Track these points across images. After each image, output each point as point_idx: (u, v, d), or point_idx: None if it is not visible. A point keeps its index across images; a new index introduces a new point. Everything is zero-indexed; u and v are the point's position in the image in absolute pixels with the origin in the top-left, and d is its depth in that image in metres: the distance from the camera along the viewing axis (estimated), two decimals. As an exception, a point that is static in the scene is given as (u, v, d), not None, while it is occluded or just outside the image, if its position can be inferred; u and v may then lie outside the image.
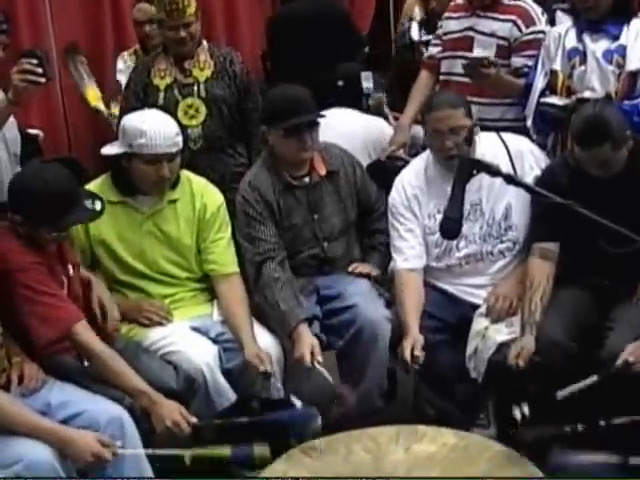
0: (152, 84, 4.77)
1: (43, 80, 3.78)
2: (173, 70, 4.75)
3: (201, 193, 4.09)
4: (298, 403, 3.53)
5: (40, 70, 3.75)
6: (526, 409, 3.39)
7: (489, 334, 3.97)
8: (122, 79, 5.81)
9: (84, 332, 3.49)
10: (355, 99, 5.31)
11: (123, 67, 6.08)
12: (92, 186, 3.94)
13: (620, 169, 3.73)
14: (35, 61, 3.74)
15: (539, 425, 3.37)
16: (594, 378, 3.45)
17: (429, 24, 5.98)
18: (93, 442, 3.15)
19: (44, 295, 3.44)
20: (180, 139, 3.90)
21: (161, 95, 4.72)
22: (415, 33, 6.18)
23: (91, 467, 3.21)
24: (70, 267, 3.67)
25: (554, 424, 3.37)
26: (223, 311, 4.02)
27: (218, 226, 4.10)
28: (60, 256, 3.62)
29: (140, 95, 4.77)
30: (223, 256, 4.10)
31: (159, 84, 4.75)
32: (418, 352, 3.79)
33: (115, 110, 5.62)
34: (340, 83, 5.42)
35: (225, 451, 3.27)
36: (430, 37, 5.33)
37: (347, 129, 4.81)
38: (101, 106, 5.86)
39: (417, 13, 6.48)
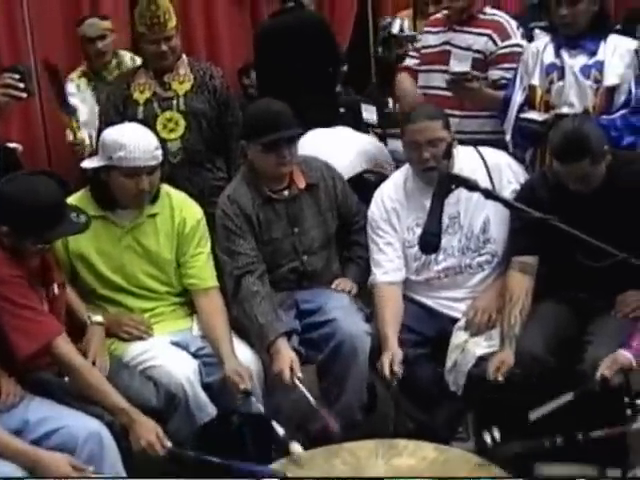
0: (131, 98, 4.75)
1: (25, 95, 3.80)
2: (153, 84, 4.74)
3: (180, 207, 4.08)
4: (280, 429, 3.52)
5: (22, 85, 3.77)
6: (497, 433, 3.40)
7: (468, 347, 3.98)
8: (76, 102, 5.71)
9: (64, 346, 3.47)
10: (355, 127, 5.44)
11: (75, 90, 5.89)
12: (71, 200, 3.93)
13: (598, 184, 3.75)
14: (17, 76, 3.77)
15: (518, 440, 3.38)
16: (568, 397, 3.46)
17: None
18: (64, 465, 3.13)
19: (25, 308, 3.41)
20: (160, 152, 3.90)
21: (140, 109, 4.71)
22: (396, 28, 6.18)
23: None
24: (55, 286, 3.65)
25: (533, 438, 3.38)
26: (203, 325, 4.01)
27: (197, 240, 4.09)
28: (43, 274, 3.61)
29: (120, 109, 4.75)
30: (203, 271, 4.09)
31: (138, 98, 4.74)
32: (397, 367, 3.80)
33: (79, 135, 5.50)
34: (342, 110, 5.56)
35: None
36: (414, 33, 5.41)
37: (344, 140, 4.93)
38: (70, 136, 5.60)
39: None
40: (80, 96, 5.73)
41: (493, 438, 3.39)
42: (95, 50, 5.96)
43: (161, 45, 4.64)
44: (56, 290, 3.65)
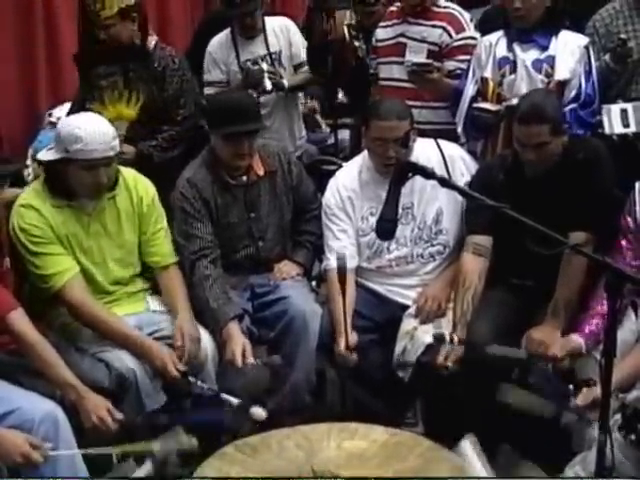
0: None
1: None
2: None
3: (135, 186, 4.07)
4: (233, 400, 3.57)
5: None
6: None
7: (417, 335, 4.03)
8: None
9: (19, 320, 3.48)
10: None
11: None
12: (27, 192, 3.92)
13: (552, 165, 3.84)
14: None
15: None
16: (523, 354, 3.56)
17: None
18: (22, 443, 3.14)
19: None
20: (117, 142, 3.84)
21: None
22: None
23: (21, 467, 3.19)
24: (7, 261, 3.66)
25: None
26: (165, 298, 4.08)
27: (155, 217, 4.11)
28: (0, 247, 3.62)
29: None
30: (163, 247, 4.13)
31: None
32: (352, 347, 3.88)
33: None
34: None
35: (153, 447, 3.27)
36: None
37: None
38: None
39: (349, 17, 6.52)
40: None
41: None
42: None
43: (100, 34, 4.64)
44: (8, 264, 3.66)
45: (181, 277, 4.12)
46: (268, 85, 5.29)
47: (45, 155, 3.89)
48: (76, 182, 3.85)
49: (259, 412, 3.48)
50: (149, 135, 4.76)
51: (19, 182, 4.23)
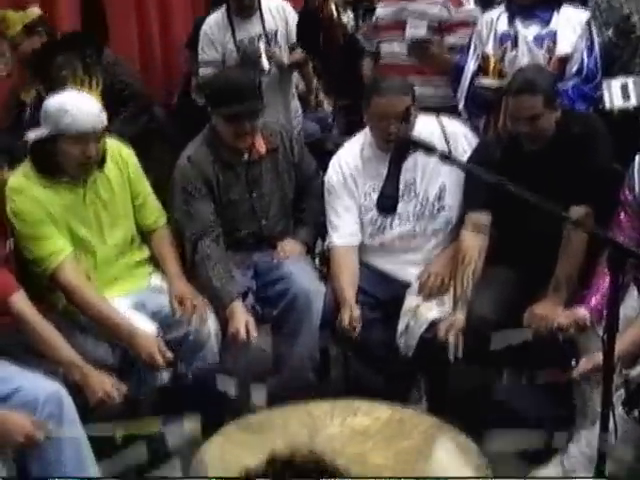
0: None
1: (5, 73, 3.83)
2: None
3: (119, 153, 4.08)
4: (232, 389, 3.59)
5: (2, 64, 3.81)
6: (460, 352, 3.54)
7: (420, 312, 4.03)
8: None
9: (20, 302, 3.49)
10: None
11: None
12: (15, 175, 3.89)
13: (547, 141, 3.84)
14: None
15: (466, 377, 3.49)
16: (529, 333, 3.56)
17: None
18: (25, 423, 3.14)
19: None
20: (104, 116, 3.84)
21: None
22: None
23: (24, 448, 3.20)
24: (11, 241, 3.67)
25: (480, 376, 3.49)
26: (156, 255, 4.15)
27: (143, 181, 4.15)
28: (3, 229, 3.61)
29: None
30: (154, 209, 4.20)
31: None
32: (356, 321, 3.89)
33: None
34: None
35: (155, 425, 3.28)
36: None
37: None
38: None
39: None
40: None
41: (456, 356, 3.65)
42: None
43: None
44: (12, 245, 3.66)
45: (171, 238, 4.20)
46: (265, 65, 5.27)
47: (35, 133, 3.87)
48: (65, 158, 3.83)
49: (260, 395, 3.48)
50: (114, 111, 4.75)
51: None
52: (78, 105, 3.77)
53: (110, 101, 4.42)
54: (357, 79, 5.08)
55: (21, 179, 3.87)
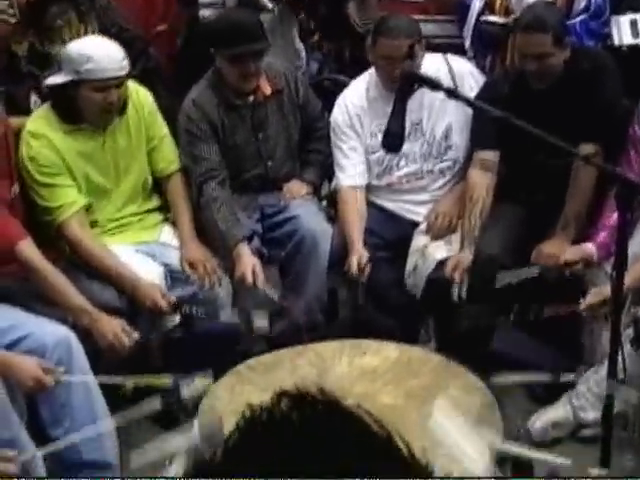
0: None
1: (14, 20, 3.79)
2: None
3: (136, 93, 4.04)
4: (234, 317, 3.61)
5: (12, 11, 3.81)
6: (464, 290, 3.50)
7: (428, 251, 4.03)
8: None
9: (28, 249, 3.49)
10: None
11: None
12: (34, 119, 3.88)
13: (556, 78, 3.80)
14: (6, 2, 3.81)
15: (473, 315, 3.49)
16: (535, 270, 3.56)
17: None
18: (34, 367, 3.14)
19: None
20: (127, 63, 3.80)
21: None
22: None
23: (34, 392, 3.22)
24: (16, 186, 3.66)
25: (488, 314, 3.48)
26: (169, 205, 4.14)
27: (159, 123, 4.12)
28: (9, 172, 3.60)
29: None
30: (167, 153, 4.15)
31: None
32: (364, 266, 3.87)
33: None
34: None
35: (167, 380, 3.27)
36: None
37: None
38: None
39: None
40: None
41: (460, 296, 3.49)
42: None
43: None
44: (17, 190, 3.65)
45: (184, 186, 4.15)
46: (268, 3, 5.18)
47: (55, 79, 3.84)
48: (86, 105, 3.82)
49: (262, 322, 3.50)
50: None
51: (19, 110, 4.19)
52: (101, 51, 3.74)
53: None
54: (343, 21, 5.00)
55: (40, 123, 3.86)
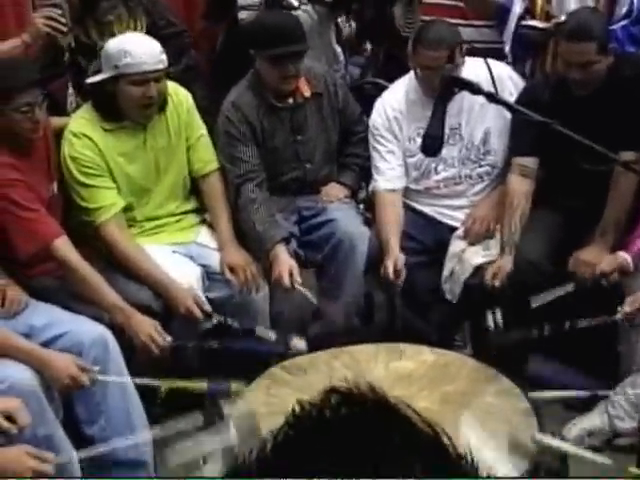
0: None
1: (65, 29, 3.86)
2: None
3: (175, 93, 4.05)
4: (271, 334, 3.60)
5: (64, 20, 3.88)
6: (499, 316, 3.48)
7: (466, 257, 4.02)
8: None
9: (64, 247, 3.51)
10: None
11: None
12: (76, 119, 3.91)
13: (598, 85, 3.77)
14: (59, 11, 3.88)
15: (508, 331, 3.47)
16: (570, 287, 3.54)
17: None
18: (71, 365, 3.17)
19: (26, 211, 3.47)
20: (165, 57, 3.82)
21: None
22: None
23: (70, 390, 3.24)
24: (55, 185, 3.68)
25: (522, 329, 3.46)
26: (207, 207, 4.14)
27: (197, 121, 4.12)
28: (48, 171, 3.63)
29: None
30: (206, 153, 4.14)
31: None
32: (400, 270, 3.86)
33: None
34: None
35: (202, 385, 3.27)
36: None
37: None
38: None
39: None
40: None
41: (495, 321, 3.48)
42: None
43: None
44: (55, 189, 3.68)
45: (222, 186, 4.14)
46: (294, 1, 5.16)
47: (94, 77, 3.86)
48: (126, 100, 3.84)
49: (299, 344, 3.49)
50: None
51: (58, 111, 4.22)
52: (138, 46, 3.78)
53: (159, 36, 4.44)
54: (389, 25, 4.99)
55: (82, 122, 3.89)
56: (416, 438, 0.90)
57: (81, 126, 3.87)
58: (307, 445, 0.90)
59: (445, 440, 0.91)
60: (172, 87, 4.05)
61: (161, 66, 3.81)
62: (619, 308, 3.42)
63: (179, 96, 4.06)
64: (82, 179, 3.83)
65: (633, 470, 2.61)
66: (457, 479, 0.90)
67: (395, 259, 3.89)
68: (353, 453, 0.88)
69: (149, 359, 3.55)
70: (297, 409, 0.93)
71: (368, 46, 6.49)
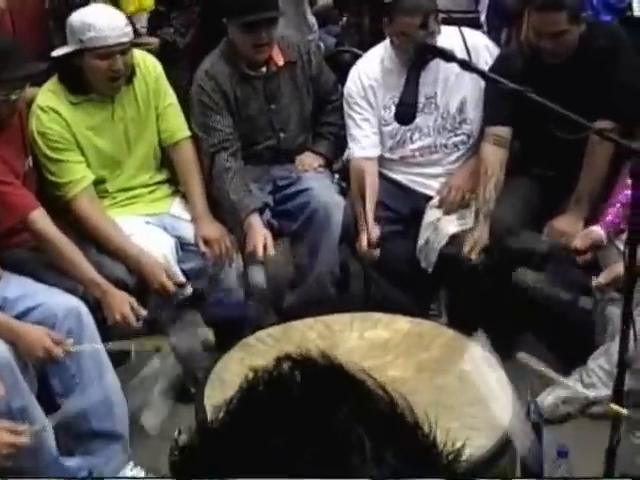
0: None
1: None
2: None
3: (143, 64, 4.01)
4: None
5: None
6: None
7: (441, 226, 4.02)
8: None
9: (40, 220, 3.48)
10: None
11: None
12: (43, 93, 3.85)
13: (570, 53, 3.76)
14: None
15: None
16: (544, 246, 3.56)
17: None
18: (44, 337, 3.16)
19: (2, 184, 3.43)
20: (130, 30, 3.78)
21: None
22: None
23: (44, 362, 3.23)
24: (30, 160, 3.65)
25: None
26: (179, 178, 4.10)
27: (165, 90, 4.07)
28: (23, 145, 3.60)
29: None
30: (174, 122, 4.09)
31: None
32: (375, 242, 3.87)
33: None
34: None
35: (170, 340, 3.28)
36: None
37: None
38: None
39: None
40: None
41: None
42: None
43: None
44: (30, 163, 3.65)
45: (194, 155, 4.11)
46: None
47: (59, 51, 3.82)
48: (92, 74, 3.79)
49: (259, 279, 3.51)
50: (165, 23, 4.69)
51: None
52: (102, 19, 3.71)
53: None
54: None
55: (49, 96, 3.84)
56: (371, 403, 0.90)
57: (48, 99, 3.82)
58: (259, 410, 0.90)
59: (401, 406, 0.91)
60: (140, 55, 4.01)
61: (126, 39, 3.74)
62: (594, 278, 3.42)
63: (147, 65, 4.01)
64: (51, 154, 3.79)
65: (614, 407, 2.64)
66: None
67: (370, 232, 3.88)
68: (306, 416, 0.88)
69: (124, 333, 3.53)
70: (250, 375, 0.93)
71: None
